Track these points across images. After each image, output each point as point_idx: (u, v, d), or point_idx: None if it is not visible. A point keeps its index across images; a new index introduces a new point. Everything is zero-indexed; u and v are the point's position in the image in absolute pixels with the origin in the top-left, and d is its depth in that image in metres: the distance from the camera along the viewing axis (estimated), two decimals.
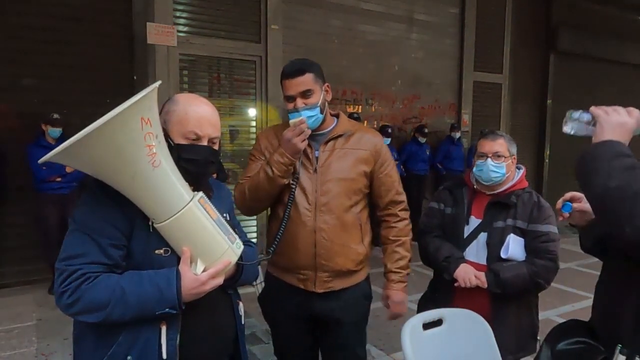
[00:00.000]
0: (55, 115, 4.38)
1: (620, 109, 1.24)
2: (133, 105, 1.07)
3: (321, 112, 1.82)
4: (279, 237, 1.79)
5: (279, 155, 1.77)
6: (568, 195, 1.48)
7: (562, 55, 9.14)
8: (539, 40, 9.02)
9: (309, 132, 1.78)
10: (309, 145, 1.84)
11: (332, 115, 1.95)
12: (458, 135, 7.38)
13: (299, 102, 1.78)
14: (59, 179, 4.34)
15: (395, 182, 1.96)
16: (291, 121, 1.78)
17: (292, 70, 1.80)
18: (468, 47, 7.81)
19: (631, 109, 1.24)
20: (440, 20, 7.57)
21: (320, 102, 1.81)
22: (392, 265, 1.95)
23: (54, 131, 4.36)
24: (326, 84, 1.86)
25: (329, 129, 1.90)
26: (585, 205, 1.44)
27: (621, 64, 9.79)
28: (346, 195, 1.84)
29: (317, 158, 1.85)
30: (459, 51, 7.79)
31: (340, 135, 1.88)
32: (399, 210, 1.97)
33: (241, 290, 1.55)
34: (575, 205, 1.47)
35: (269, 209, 1.98)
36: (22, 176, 4.61)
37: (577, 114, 1.30)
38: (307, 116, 1.78)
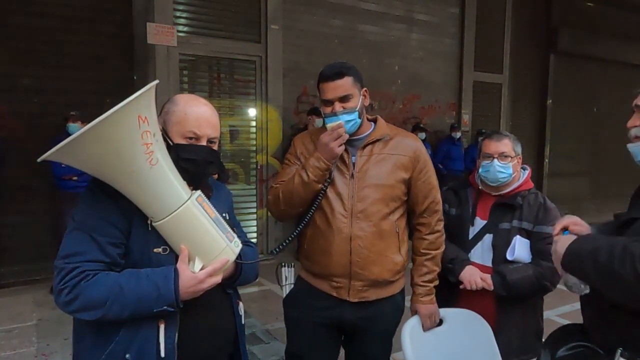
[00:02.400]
0: (73, 112, 4.44)
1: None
2: (130, 103, 1.07)
3: (359, 117, 1.77)
4: (289, 239, 1.77)
5: (315, 160, 1.73)
6: (565, 221, 1.39)
7: (562, 55, 9.14)
8: (539, 40, 9.02)
9: (347, 136, 1.73)
10: (345, 150, 1.79)
11: (369, 120, 1.90)
12: (458, 135, 7.37)
13: (337, 106, 1.73)
14: (75, 178, 4.36)
15: (434, 190, 1.87)
16: (328, 125, 1.73)
17: (331, 73, 1.73)
18: (468, 47, 7.82)
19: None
20: (440, 20, 7.57)
21: (358, 106, 1.76)
22: (419, 279, 1.88)
23: (73, 127, 4.37)
24: (364, 88, 1.81)
25: (366, 133, 1.84)
26: (581, 228, 1.38)
27: (621, 64, 9.79)
28: (384, 202, 1.78)
29: (353, 163, 1.80)
30: (459, 51, 7.80)
31: (378, 140, 1.82)
32: (435, 221, 1.88)
33: (241, 290, 1.55)
34: (572, 228, 1.40)
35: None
36: (22, 176, 4.62)
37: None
38: (345, 120, 1.73)
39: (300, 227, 1.79)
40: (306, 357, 1.90)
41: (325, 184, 1.78)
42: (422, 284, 1.88)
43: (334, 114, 1.73)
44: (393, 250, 1.81)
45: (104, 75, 5.08)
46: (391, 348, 1.97)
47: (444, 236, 1.92)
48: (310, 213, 1.78)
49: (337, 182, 1.79)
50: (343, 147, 1.74)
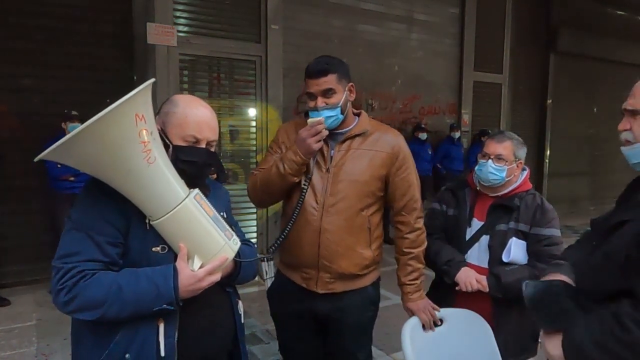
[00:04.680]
0: (74, 112, 4.41)
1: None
2: (127, 101, 1.07)
3: (342, 113, 1.78)
4: (282, 237, 1.78)
5: (292, 153, 1.74)
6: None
7: (562, 55, 9.13)
8: (539, 40, 9.01)
9: (326, 133, 1.74)
10: (326, 143, 1.80)
11: (354, 114, 1.91)
12: (458, 135, 7.36)
13: (320, 101, 1.74)
14: (72, 178, 4.34)
15: (412, 187, 1.87)
16: (309, 120, 1.74)
17: (315, 71, 1.74)
18: (468, 47, 7.81)
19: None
20: (440, 20, 7.56)
21: (341, 102, 1.76)
22: (406, 279, 1.90)
23: (74, 126, 4.32)
24: (350, 83, 1.81)
25: (348, 128, 1.85)
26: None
27: (621, 64, 9.78)
28: (357, 197, 1.79)
29: (331, 157, 1.81)
30: (459, 51, 7.78)
31: (357, 135, 1.83)
32: (414, 219, 1.88)
33: (241, 290, 1.55)
34: None
35: (282, 207, 1.95)
36: (22, 176, 4.62)
37: None
38: (326, 116, 1.73)
39: (291, 224, 1.80)
40: (292, 348, 1.96)
41: (306, 180, 1.79)
42: (409, 282, 1.90)
43: (316, 109, 1.75)
44: (363, 245, 1.82)
45: (104, 75, 5.07)
46: (370, 343, 1.99)
47: (424, 233, 1.93)
48: (297, 209, 1.79)
49: (314, 176, 1.81)
50: (321, 143, 1.75)
